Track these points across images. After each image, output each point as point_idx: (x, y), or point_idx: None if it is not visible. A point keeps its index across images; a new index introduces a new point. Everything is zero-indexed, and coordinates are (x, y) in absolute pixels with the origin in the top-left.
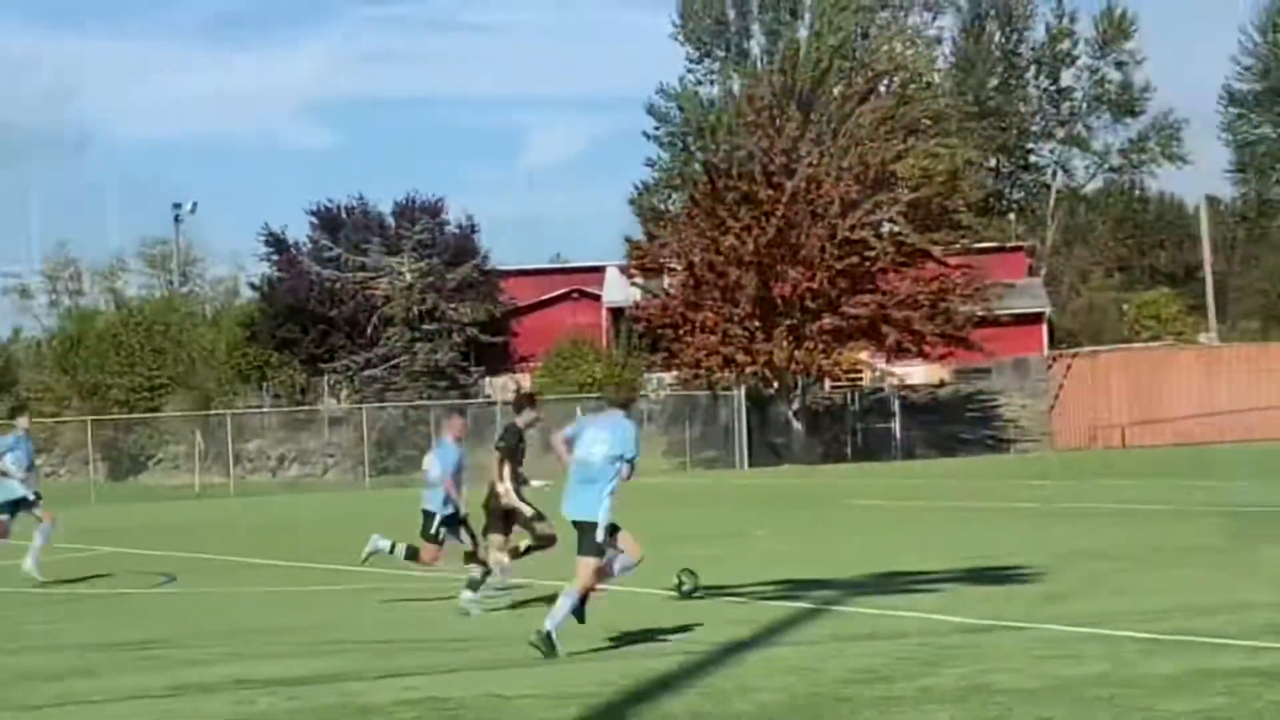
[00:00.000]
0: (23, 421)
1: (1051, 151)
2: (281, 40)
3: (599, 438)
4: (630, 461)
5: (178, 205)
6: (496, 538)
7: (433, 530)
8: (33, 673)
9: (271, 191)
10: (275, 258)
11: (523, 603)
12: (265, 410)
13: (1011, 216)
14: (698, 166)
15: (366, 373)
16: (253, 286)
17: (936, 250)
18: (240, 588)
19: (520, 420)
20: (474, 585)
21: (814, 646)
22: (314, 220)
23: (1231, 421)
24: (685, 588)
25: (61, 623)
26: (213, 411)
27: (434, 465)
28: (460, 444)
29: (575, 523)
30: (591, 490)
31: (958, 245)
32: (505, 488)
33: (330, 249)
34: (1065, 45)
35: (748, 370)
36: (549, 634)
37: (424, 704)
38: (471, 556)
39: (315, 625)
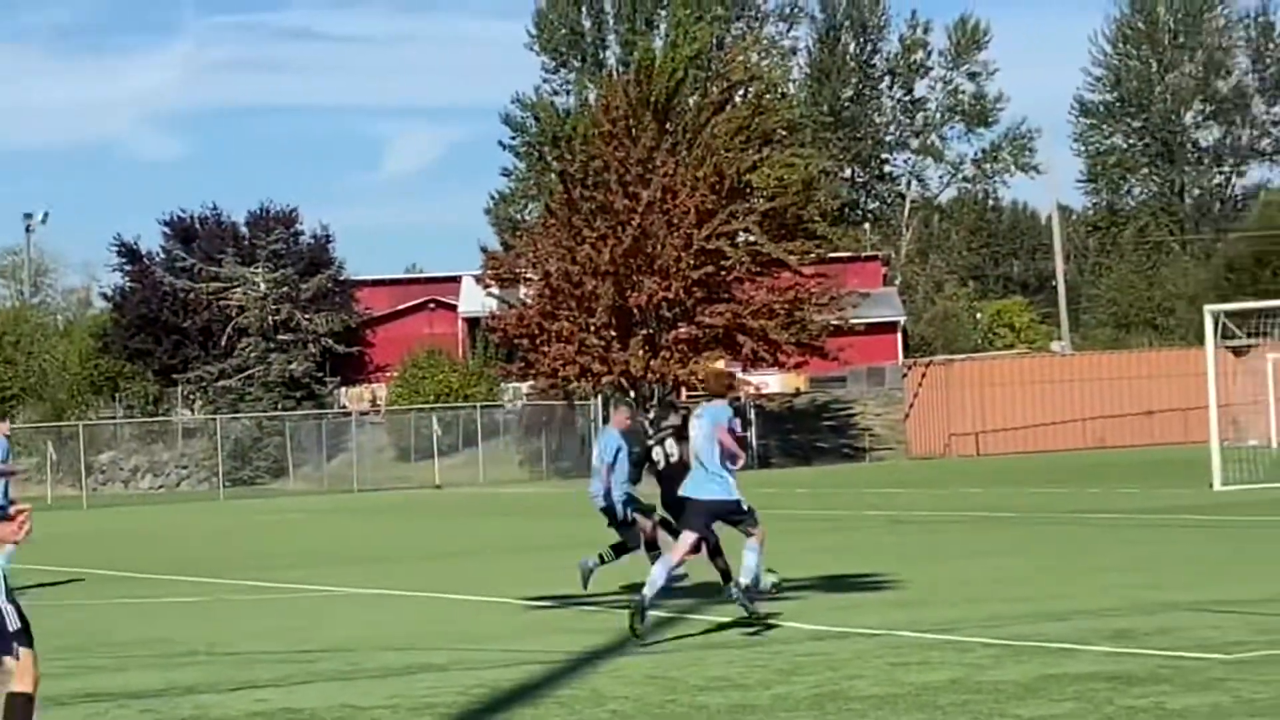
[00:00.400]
0: (3, 427)
1: (906, 161)
2: (132, 48)
3: (699, 425)
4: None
5: (29, 215)
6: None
7: (622, 515)
8: None
9: (124, 201)
10: (128, 268)
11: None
12: (118, 421)
13: (866, 226)
14: (554, 176)
15: (220, 383)
16: (105, 297)
17: (792, 260)
18: (92, 600)
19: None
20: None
21: (669, 655)
22: (167, 230)
23: (1084, 429)
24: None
25: None
26: (65, 423)
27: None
28: (622, 435)
29: (687, 500)
30: (700, 472)
31: (813, 255)
32: None
33: (184, 259)
34: (919, 56)
35: (604, 380)
36: (747, 587)
37: (277, 715)
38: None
39: (168, 637)
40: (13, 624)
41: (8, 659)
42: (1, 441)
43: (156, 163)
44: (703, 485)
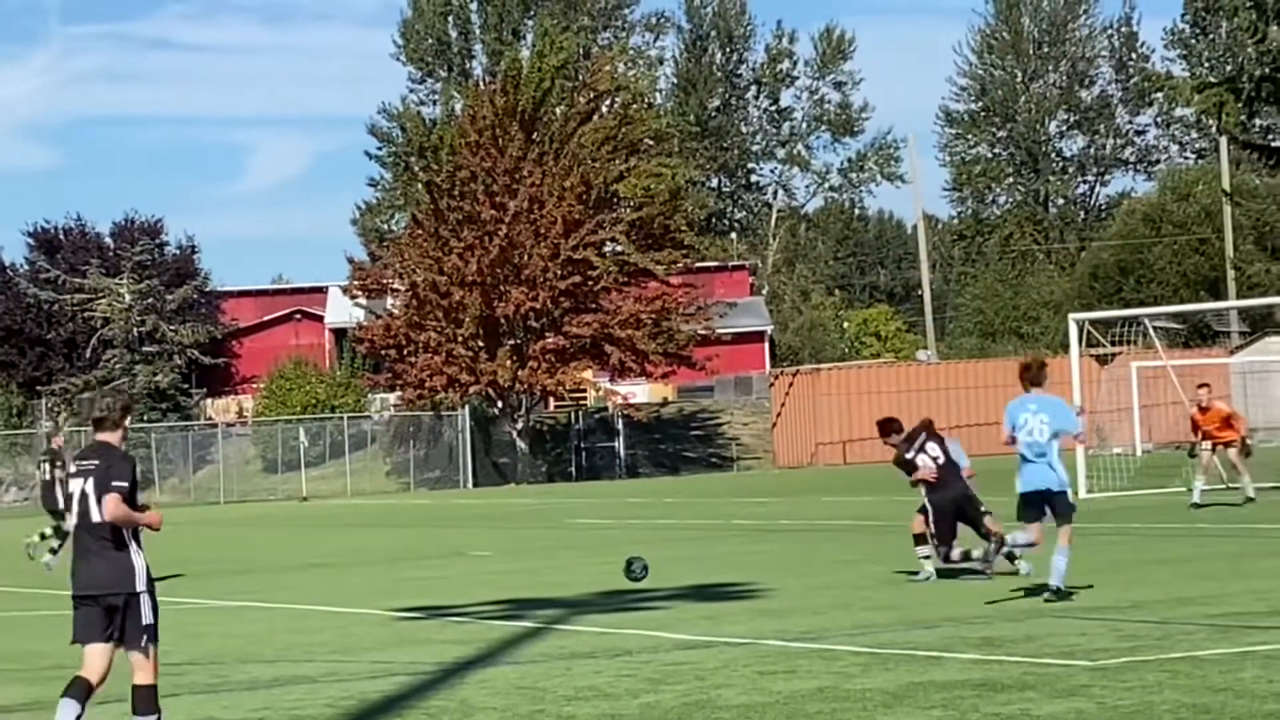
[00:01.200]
0: None
1: (773, 171)
2: None
3: (1039, 418)
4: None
5: None
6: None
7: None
8: None
9: None
10: None
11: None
12: None
13: (733, 235)
14: (420, 187)
15: (85, 395)
16: None
17: (659, 269)
18: None
19: None
20: (1010, 557)
21: (537, 665)
22: (30, 241)
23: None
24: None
25: None
26: None
27: (962, 456)
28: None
29: (1039, 493)
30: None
31: (680, 264)
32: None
33: (48, 270)
34: (785, 65)
35: (472, 390)
36: (1057, 589)
37: None
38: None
39: (36, 651)
40: (149, 617)
41: (135, 653)
42: None
43: (20, 172)
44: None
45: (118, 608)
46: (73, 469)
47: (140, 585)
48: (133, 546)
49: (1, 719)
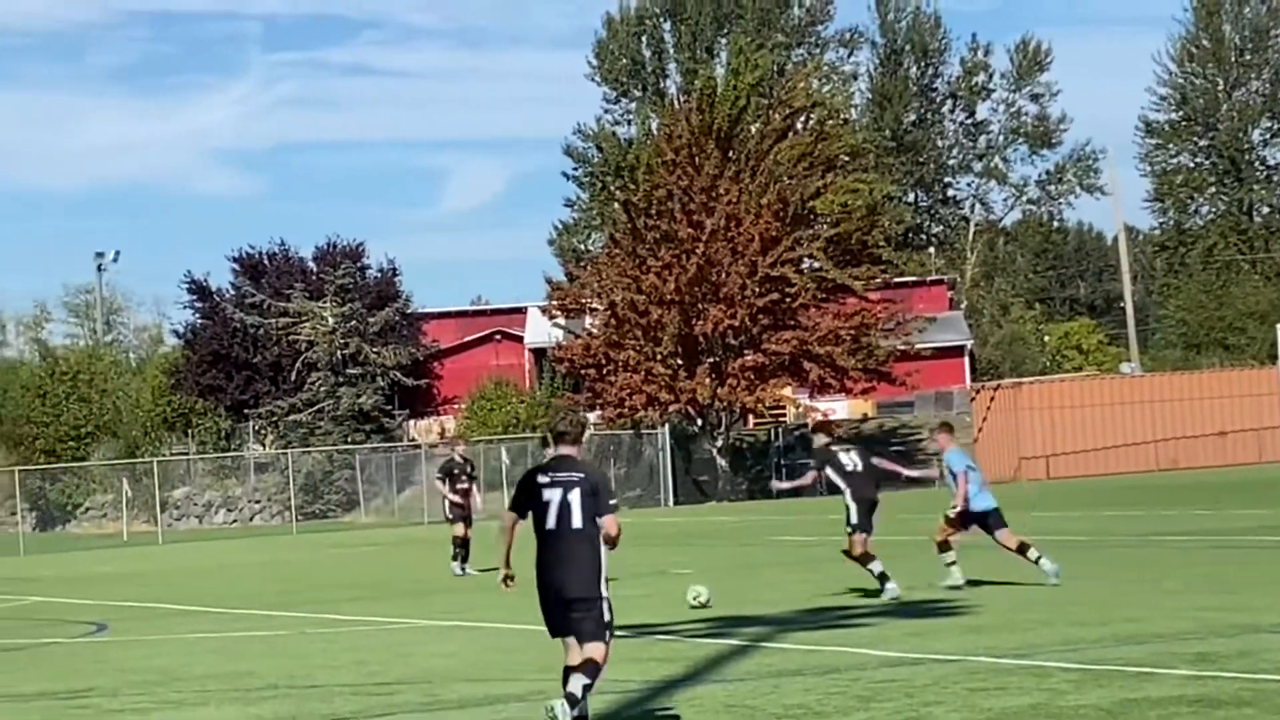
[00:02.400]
0: None
1: (969, 185)
2: (199, 87)
3: None
4: None
5: (100, 254)
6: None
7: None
8: None
9: (194, 239)
10: (198, 305)
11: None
12: (191, 457)
13: (931, 250)
14: (617, 206)
15: (291, 418)
16: (176, 334)
17: (857, 285)
18: (169, 635)
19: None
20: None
21: (745, 684)
22: (236, 267)
23: (1155, 451)
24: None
25: None
26: (139, 459)
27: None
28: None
29: None
30: None
31: (878, 280)
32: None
33: (253, 295)
34: (981, 78)
35: (671, 408)
36: None
37: None
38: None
39: (247, 671)
40: (608, 615)
41: (589, 644)
42: None
43: (225, 199)
44: None
45: (583, 606)
46: (545, 479)
47: (605, 590)
48: (603, 551)
49: None
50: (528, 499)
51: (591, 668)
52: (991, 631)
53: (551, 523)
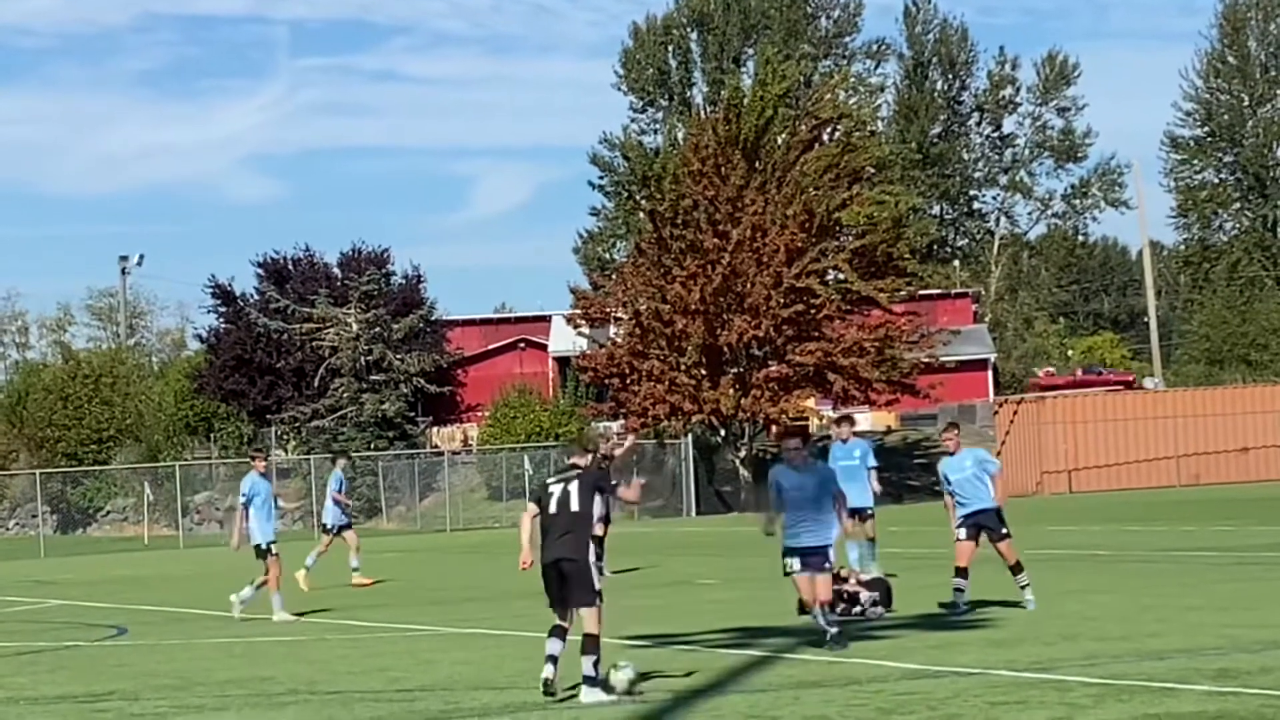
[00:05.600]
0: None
1: (995, 198)
2: (226, 92)
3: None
4: None
5: (124, 258)
6: None
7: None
8: None
9: (218, 243)
10: (222, 310)
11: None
12: (213, 462)
13: (956, 263)
14: (643, 215)
15: (314, 423)
16: (200, 338)
17: (882, 297)
18: (190, 639)
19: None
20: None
21: (766, 694)
22: (260, 272)
23: (1178, 466)
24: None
25: (13, 677)
26: (161, 464)
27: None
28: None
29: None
30: None
31: (903, 292)
32: None
33: (277, 300)
34: (1008, 92)
35: (695, 418)
36: None
37: None
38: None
39: (267, 676)
40: (599, 584)
41: (584, 611)
42: (338, 474)
43: (249, 205)
44: None
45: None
46: (553, 480)
47: (594, 559)
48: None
49: None
50: (540, 495)
51: (592, 644)
52: (1012, 645)
53: (553, 508)
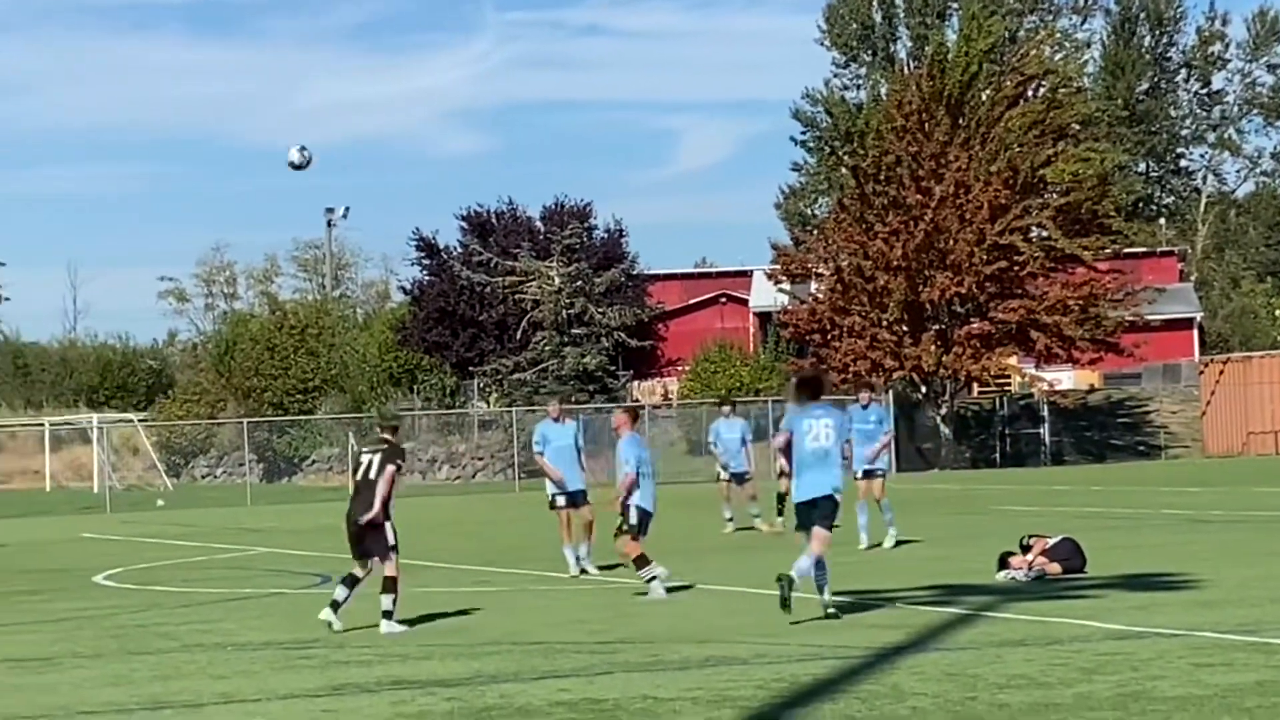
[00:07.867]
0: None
1: (1202, 155)
2: (433, 46)
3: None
4: None
5: (330, 210)
6: None
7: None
8: (195, 671)
9: (423, 197)
10: (426, 262)
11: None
12: (416, 413)
13: (1162, 221)
14: (845, 171)
15: (515, 376)
16: (404, 290)
17: (1086, 255)
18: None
19: None
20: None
21: (967, 652)
22: (464, 225)
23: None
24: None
25: (221, 622)
26: (365, 414)
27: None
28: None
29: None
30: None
31: (1107, 250)
32: None
33: (480, 253)
34: (1216, 48)
35: (896, 375)
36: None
37: (580, 705)
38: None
39: (470, 626)
40: (391, 540)
41: (375, 561)
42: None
43: (454, 158)
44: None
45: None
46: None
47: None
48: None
49: (439, 692)
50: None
51: (390, 585)
52: (1218, 607)
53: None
